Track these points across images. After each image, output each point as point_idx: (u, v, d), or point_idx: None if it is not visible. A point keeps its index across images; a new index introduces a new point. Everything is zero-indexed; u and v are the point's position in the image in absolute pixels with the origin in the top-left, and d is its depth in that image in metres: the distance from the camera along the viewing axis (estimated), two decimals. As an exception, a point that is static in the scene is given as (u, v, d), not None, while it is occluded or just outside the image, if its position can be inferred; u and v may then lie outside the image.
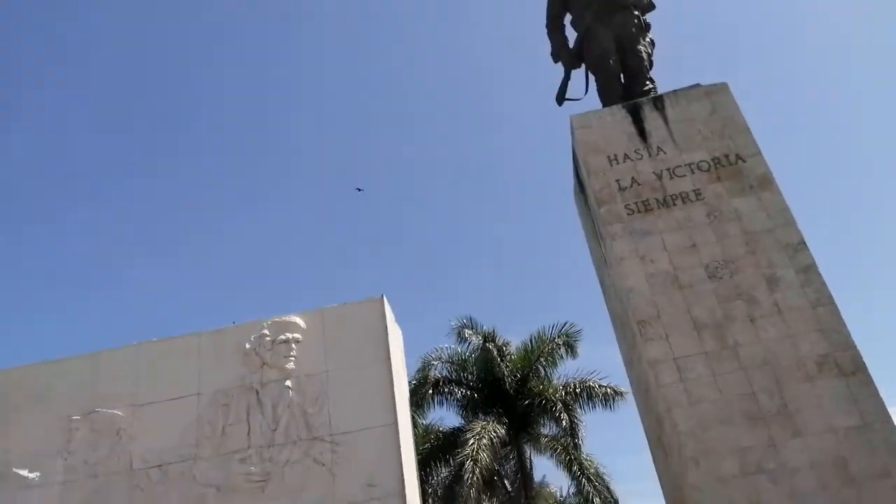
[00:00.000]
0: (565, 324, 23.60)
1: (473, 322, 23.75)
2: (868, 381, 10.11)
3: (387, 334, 9.97)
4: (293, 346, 9.96)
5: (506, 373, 22.88)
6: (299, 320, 10.21)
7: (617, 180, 12.71)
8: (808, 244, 11.41)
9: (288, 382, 9.76)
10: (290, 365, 9.86)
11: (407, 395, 10.79)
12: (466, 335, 23.45)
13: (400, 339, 10.73)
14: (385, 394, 9.50)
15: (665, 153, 12.82)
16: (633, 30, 15.53)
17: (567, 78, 16.56)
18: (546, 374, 23.13)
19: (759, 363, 10.49)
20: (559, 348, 23.24)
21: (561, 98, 16.75)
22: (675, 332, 11.00)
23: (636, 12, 15.80)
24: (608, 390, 22.74)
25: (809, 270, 11.14)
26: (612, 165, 12.89)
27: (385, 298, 10.38)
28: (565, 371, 23.63)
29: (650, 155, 12.85)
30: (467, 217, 66.94)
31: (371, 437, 9.20)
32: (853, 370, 10.17)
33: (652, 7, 16.33)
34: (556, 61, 16.80)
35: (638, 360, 11.87)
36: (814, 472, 9.54)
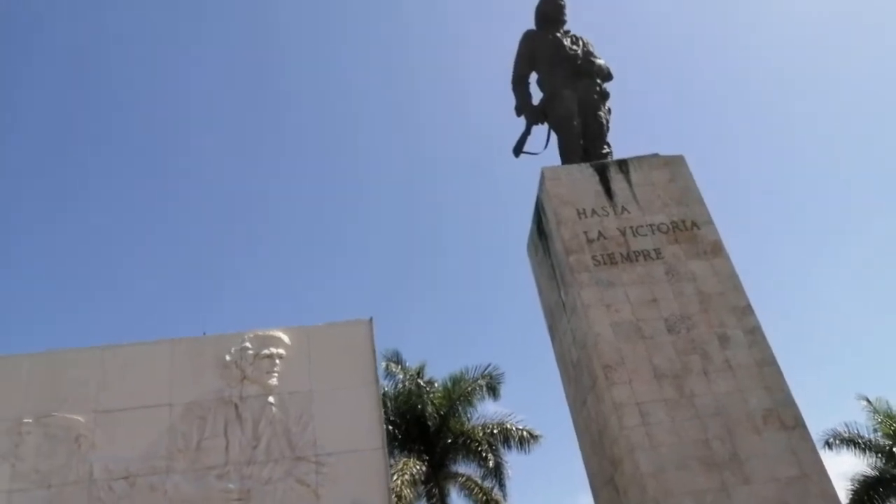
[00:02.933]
0: (489, 365, 24.13)
1: (399, 357, 23.74)
2: (806, 436, 11.13)
3: (374, 357, 9.92)
4: (277, 361, 9.69)
5: (429, 411, 22.88)
6: (283, 336, 9.96)
7: (585, 232, 13.44)
8: (753, 308, 12.50)
9: (271, 398, 9.44)
10: (273, 381, 9.57)
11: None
12: (392, 370, 23.35)
13: (379, 365, 10.67)
14: (373, 417, 9.41)
15: (629, 212, 13.73)
16: (595, 96, 16.66)
17: (527, 132, 17.42)
18: (466, 414, 23.35)
19: (713, 413, 11.29)
20: (481, 389, 23.60)
21: (518, 150, 17.57)
22: (638, 378, 11.64)
23: (598, 80, 16.99)
24: (524, 433, 23.26)
25: (755, 332, 12.20)
26: (580, 218, 13.64)
27: (373, 321, 10.35)
28: (485, 412, 24.02)
29: (616, 213, 13.72)
30: (402, 249, 66.85)
31: (358, 459, 9.04)
32: (794, 425, 11.16)
33: (610, 77, 17.59)
34: (519, 115, 17.66)
35: (595, 402, 12.39)
36: (761, 517, 10.31)
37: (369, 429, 9.30)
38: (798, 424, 11.20)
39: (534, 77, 17.84)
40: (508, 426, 23.31)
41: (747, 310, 12.45)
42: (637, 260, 13.09)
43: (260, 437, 9.09)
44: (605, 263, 13.02)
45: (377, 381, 9.71)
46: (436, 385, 23.99)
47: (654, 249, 13.24)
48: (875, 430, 25.85)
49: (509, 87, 18.06)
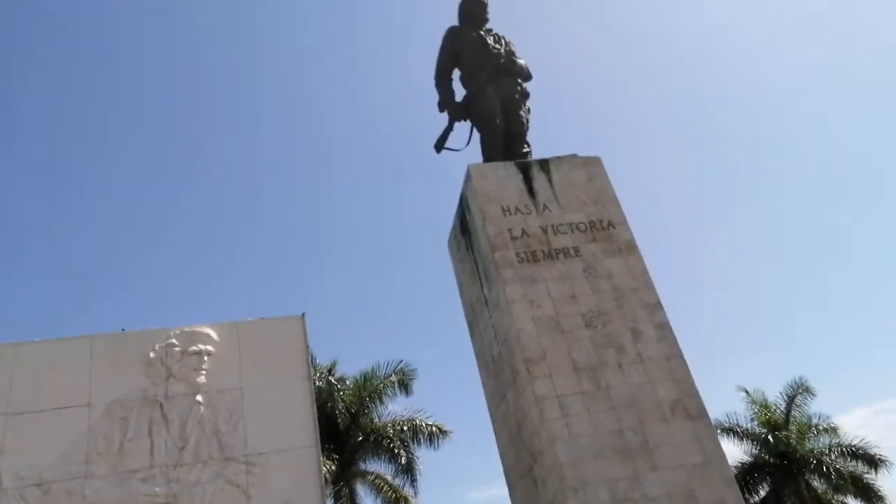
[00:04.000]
0: (400, 362, 24.20)
1: (311, 354, 23.28)
2: (708, 425, 12.03)
3: (307, 353, 9.84)
4: (205, 358, 9.41)
5: (339, 408, 22.70)
6: (212, 332, 9.67)
7: (509, 229, 13.80)
8: (663, 304, 13.30)
9: (199, 397, 9.16)
10: (202, 378, 9.29)
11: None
12: (303, 367, 22.91)
13: (309, 360, 10.57)
14: (305, 413, 9.33)
15: (550, 211, 14.22)
16: (517, 96, 17.05)
17: (450, 128, 17.60)
18: (377, 411, 23.38)
19: (626, 404, 11.96)
20: (393, 386, 23.67)
21: (440, 146, 17.74)
22: (558, 371, 12.14)
23: (519, 80, 17.39)
24: (434, 429, 23.57)
25: (664, 328, 12.99)
26: (505, 215, 13.98)
27: (305, 317, 10.24)
28: (395, 408, 24.12)
29: (538, 211, 14.17)
30: (314, 244, 65.26)
31: (290, 458, 8.95)
32: (697, 415, 12.02)
33: (530, 77, 18.05)
34: (441, 111, 17.76)
35: (516, 396, 12.82)
36: (669, 502, 11.06)
37: (302, 426, 9.22)
38: (701, 414, 12.06)
39: (456, 73, 18.06)
40: (418, 422, 23.54)
41: (657, 306, 13.23)
42: (558, 257, 13.59)
43: (187, 438, 8.81)
44: (528, 260, 13.44)
45: (310, 377, 9.64)
46: (347, 382, 23.85)
47: (574, 247, 13.79)
48: (752, 420, 27.98)
49: (431, 82, 18.23)
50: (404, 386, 23.72)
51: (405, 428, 23.36)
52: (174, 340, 9.45)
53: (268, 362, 9.66)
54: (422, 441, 23.49)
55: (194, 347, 9.40)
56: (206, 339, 9.56)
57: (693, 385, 12.38)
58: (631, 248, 13.99)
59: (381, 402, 23.49)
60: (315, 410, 9.37)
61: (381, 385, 23.53)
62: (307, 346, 9.88)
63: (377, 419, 23.38)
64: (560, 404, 11.81)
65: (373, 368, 23.83)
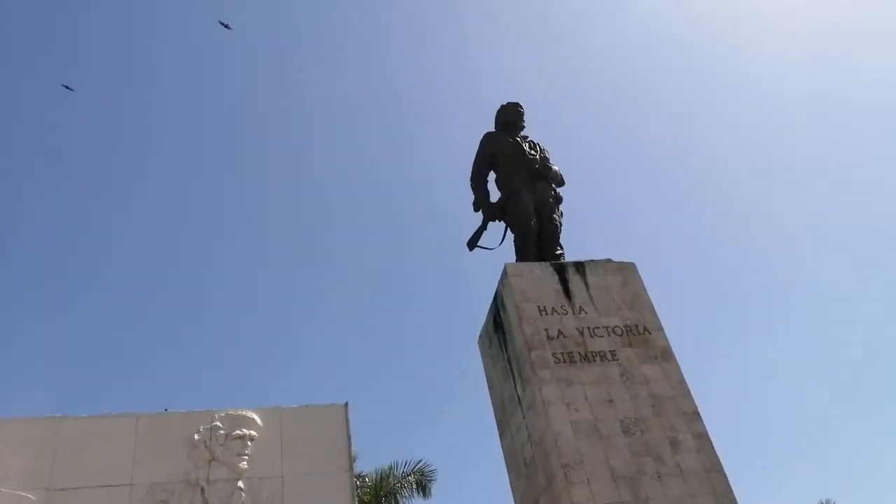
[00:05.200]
0: (419, 461, 23.54)
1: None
2: (752, 544, 11.55)
3: (349, 443, 9.68)
4: (248, 443, 9.27)
5: (356, 506, 21.87)
6: (256, 416, 9.57)
7: (546, 329, 13.85)
8: (701, 414, 13.10)
9: (240, 483, 8.96)
10: (244, 464, 9.11)
11: (355, 511, 10.29)
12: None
13: (349, 451, 10.38)
14: (345, 506, 9.07)
15: (586, 313, 14.32)
16: (551, 200, 17.60)
17: (483, 227, 18.08)
18: (394, 513, 22.52)
19: (667, 518, 11.56)
20: (410, 486, 22.91)
21: (473, 244, 18.18)
22: (596, 479, 11.83)
23: (553, 184, 17.98)
24: (453, 534, 22.65)
25: (702, 438, 12.75)
26: (541, 315, 14.08)
27: (348, 406, 10.15)
28: (412, 511, 23.20)
29: (574, 312, 14.27)
30: (327, 323, 65.12)
31: (329, 552, 8.63)
32: (741, 532, 11.59)
33: (563, 183, 18.68)
34: (476, 210, 18.31)
35: (551, 501, 12.41)
36: None
37: (342, 519, 8.95)
38: (744, 532, 11.64)
39: (491, 176, 18.71)
40: (438, 527, 22.69)
41: (696, 416, 13.03)
42: (594, 360, 13.55)
43: (228, 524, 8.56)
44: (564, 362, 13.40)
45: (351, 468, 9.43)
46: (366, 479, 23.12)
47: (610, 351, 13.78)
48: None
49: (467, 184, 18.88)
50: (422, 487, 22.97)
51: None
52: (219, 423, 9.35)
53: (309, 450, 9.50)
54: (440, 547, 22.52)
55: (238, 432, 9.28)
56: (251, 423, 9.46)
57: (734, 500, 12.00)
58: (667, 354, 13.95)
59: (398, 502, 22.68)
60: (356, 502, 9.12)
61: (398, 485, 22.80)
62: (349, 436, 9.73)
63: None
64: (599, 513, 11.43)
65: (390, 466, 23.17)
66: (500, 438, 15.32)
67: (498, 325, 15.35)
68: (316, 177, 67.18)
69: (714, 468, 12.35)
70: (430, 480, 23.09)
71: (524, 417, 13.83)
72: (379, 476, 22.95)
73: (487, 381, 16.22)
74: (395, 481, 22.80)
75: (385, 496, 22.36)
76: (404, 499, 22.85)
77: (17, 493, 8.24)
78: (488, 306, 16.07)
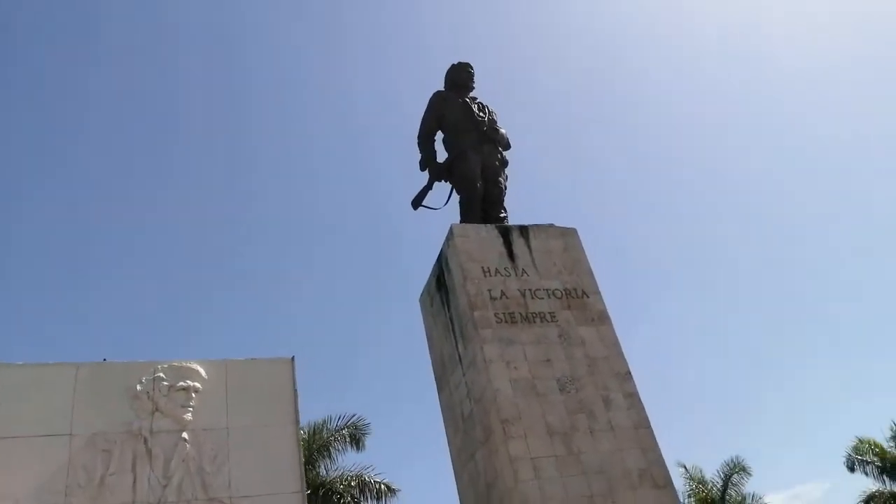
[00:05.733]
0: (353, 416, 23.84)
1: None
2: (674, 495, 12.37)
3: (296, 396, 9.74)
4: (193, 395, 9.20)
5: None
6: (200, 369, 9.50)
7: (489, 290, 14.16)
8: (632, 374, 13.77)
9: (184, 434, 8.92)
10: (188, 415, 9.05)
11: (302, 462, 10.40)
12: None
13: (294, 405, 10.45)
14: (292, 459, 9.18)
15: (528, 276, 14.69)
16: (497, 163, 17.79)
17: (429, 187, 18.14)
18: (324, 465, 22.79)
19: (596, 470, 12.20)
20: (344, 439, 23.23)
21: (417, 203, 18.26)
22: (532, 433, 12.34)
23: (500, 148, 18.15)
24: (382, 486, 23.10)
25: (633, 397, 13.42)
26: (485, 276, 14.37)
27: (294, 360, 10.18)
28: (343, 463, 23.59)
29: (517, 275, 14.62)
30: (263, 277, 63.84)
31: (276, 503, 8.75)
32: (664, 484, 12.37)
33: (510, 147, 18.86)
34: (423, 169, 18.34)
35: (487, 455, 12.89)
36: (636, 570, 11.24)
37: (288, 471, 9.06)
38: (667, 483, 12.42)
39: (438, 136, 18.70)
40: (366, 478, 23.10)
41: (627, 375, 13.68)
42: (534, 321, 13.98)
43: (171, 475, 8.51)
44: (506, 322, 13.77)
45: (297, 421, 9.52)
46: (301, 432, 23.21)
47: (550, 313, 14.23)
48: (689, 496, 28.50)
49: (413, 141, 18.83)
50: (356, 441, 23.33)
51: (353, 483, 22.84)
52: (162, 374, 9.23)
53: (255, 403, 9.51)
54: (369, 498, 23.00)
55: (182, 383, 9.19)
56: (195, 375, 9.37)
57: (660, 455, 12.74)
58: (603, 317, 14.52)
59: (331, 456, 23.00)
60: (302, 456, 9.25)
61: (331, 438, 23.08)
62: (296, 390, 9.79)
63: (325, 474, 22.79)
64: (534, 466, 11.95)
65: (324, 420, 23.39)
66: (439, 394, 15.69)
67: (441, 284, 15.56)
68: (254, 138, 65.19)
69: (642, 424, 13.06)
70: (363, 434, 23.51)
71: (464, 375, 14.18)
72: (312, 429, 23.17)
73: (427, 339, 16.49)
74: (329, 434, 23.09)
75: (318, 449, 22.62)
76: (337, 452, 23.23)
77: (-49, 441, 7.98)
78: (430, 265, 16.26)
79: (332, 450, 23.26)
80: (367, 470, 23.47)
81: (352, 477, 23.05)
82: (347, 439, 23.25)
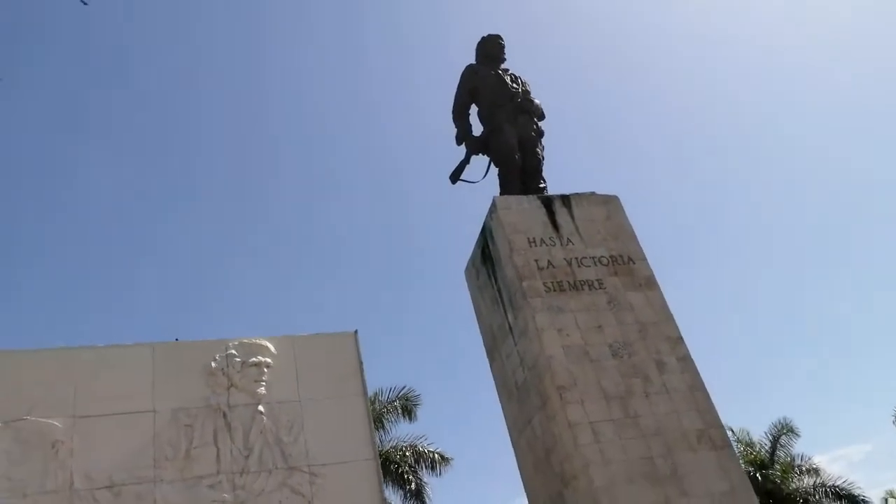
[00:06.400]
0: (403, 387, 24.20)
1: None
2: (733, 455, 12.51)
3: (361, 368, 9.98)
4: (265, 370, 9.47)
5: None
6: (269, 344, 9.76)
7: (535, 260, 14.25)
8: (684, 338, 13.80)
9: (260, 407, 9.20)
10: (262, 390, 9.34)
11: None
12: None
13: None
14: (363, 428, 9.46)
15: (573, 244, 14.75)
16: (533, 133, 17.74)
17: (466, 161, 18.16)
18: (377, 437, 23.18)
19: (654, 432, 12.33)
20: (396, 411, 23.66)
21: (456, 177, 18.30)
22: (589, 398, 12.48)
23: (535, 118, 18.09)
24: (436, 455, 23.51)
25: (686, 360, 13.49)
26: (531, 247, 14.45)
27: (358, 334, 10.40)
28: (397, 434, 24.07)
29: (562, 244, 14.68)
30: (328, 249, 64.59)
31: (351, 470, 9.03)
32: (723, 445, 12.47)
33: (544, 117, 18.78)
34: (459, 143, 18.38)
35: (545, 421, 13.06)
36: (699, 527, 11.39)
37: (361, 440, 9.33)
38: (726, 444, 12.52)
39: (473, 109, 18.68)
40: (420, 448, 23.49)
41: (679, 340, 13.73)
42: (582, 289, 14.06)
43: (251, 447, 8.82)
44: (554, 290, 13.87)
45: (365, 392, 9.76)
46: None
47: (597, 280, 14.29)
48: (739, 459, 28.50)
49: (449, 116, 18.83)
50: (407, 412, 23.71)
51: (408, 454, 23.27)
52: (234, 351, 9.51)
53: (323, 376, 9.77)
54: (424, 468, 23.41)
55: (254, 359, 9.47)
56: (265, 351, 9.64)
57: (717, 416, 12.82)
58: (651, 283, 14.54)
59: (384, 427, 23.39)
60: (372, 425, 9.50)
61: (384, 409, 23.49)
62: (361, 362, 10.03)
63: (380, 444, 23.22)
64: (593, 430, 12.11)
65: (376, 393, 23.74)
66: (490, 364, 15.87)
67: (486, 256, 15.68)
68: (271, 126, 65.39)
69: (697, 387, 13.13)
70: (414, 405, 23.87)
71: (516, 344, 14.33)
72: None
73: (475, 311, 16.64)
74: (381, 406, 23.47)
75: (372, 420, 22.94)
76: (390, 423, 23.64)
77: (45, 420, 8.32)
78: (474, 239, 16.36)
79: (384, 421, 23.63)
80: (420, 440, 23.89)
81: (406, 447, 23.45)
82: (399, 411, 23.64)
